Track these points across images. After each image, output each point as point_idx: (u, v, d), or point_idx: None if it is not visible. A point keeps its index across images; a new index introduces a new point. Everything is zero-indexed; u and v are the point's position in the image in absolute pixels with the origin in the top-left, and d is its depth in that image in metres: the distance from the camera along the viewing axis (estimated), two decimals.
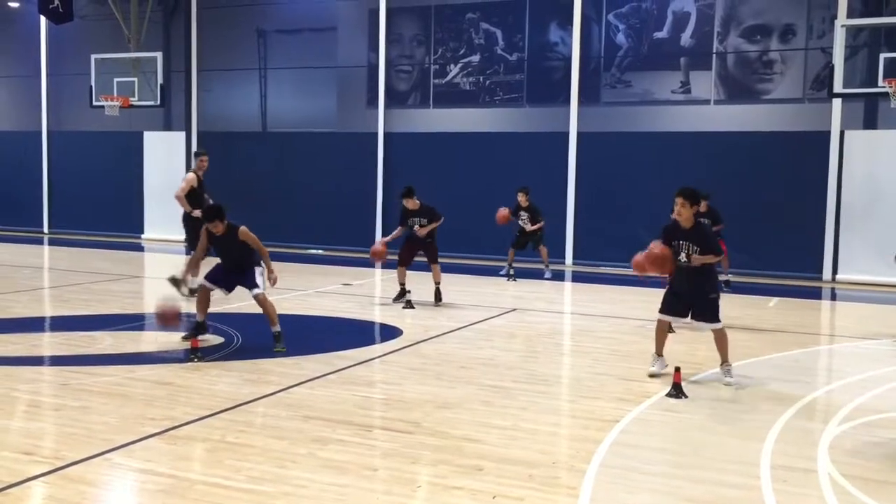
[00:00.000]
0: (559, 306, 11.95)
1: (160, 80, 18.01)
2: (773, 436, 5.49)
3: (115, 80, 18.18)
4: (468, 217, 15.68)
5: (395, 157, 17.67)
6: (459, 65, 17.81)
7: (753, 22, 15.66)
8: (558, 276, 14.44)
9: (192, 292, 10.81)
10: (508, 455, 5.01)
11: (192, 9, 19.46)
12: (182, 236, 19.35)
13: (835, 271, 14.58)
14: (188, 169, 19.42)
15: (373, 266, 14.89)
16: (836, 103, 14.30)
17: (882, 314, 11.59)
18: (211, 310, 8.14)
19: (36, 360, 7.47)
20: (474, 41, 17.63)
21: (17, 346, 7.95)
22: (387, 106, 17.87)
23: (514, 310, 10.71)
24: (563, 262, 16.04)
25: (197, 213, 10.39)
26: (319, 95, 19.31)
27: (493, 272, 14.49)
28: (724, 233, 12.12)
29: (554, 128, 16.51)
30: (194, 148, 19.57)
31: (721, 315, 6.97)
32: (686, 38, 16.10)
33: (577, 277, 14.88)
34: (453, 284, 11.94)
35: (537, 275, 14.02)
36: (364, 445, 5.16)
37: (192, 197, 10.66)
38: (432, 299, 10.91)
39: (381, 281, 13.64)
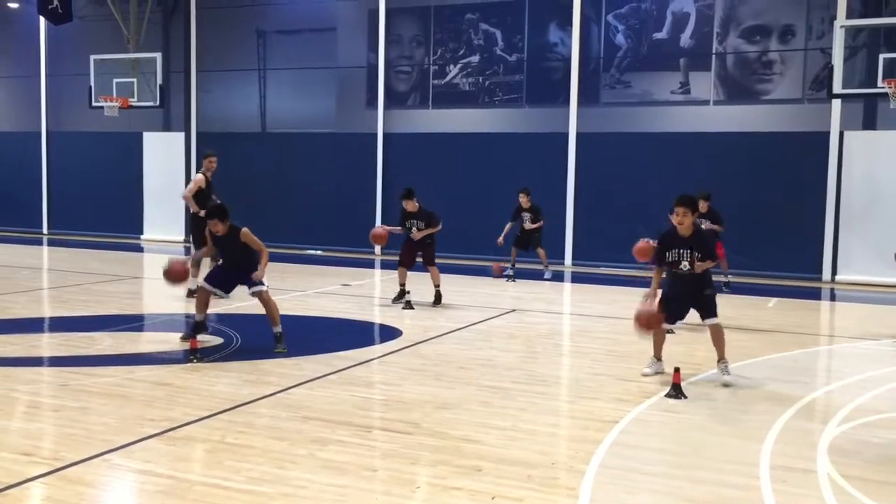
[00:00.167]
0: (558, 307, 11.95)
1: (159, 80, 18.02)
2: (772, 436, 5.49)
3: (115, 80, 18.18)
4: (467, 218, 15.69)
5: (394, 158, 17.67)
6: (459, 65, 17.82)
7: (753, 22, 15.67)
8: (557, 277, 14.44)
9: (190, 293, 10.83)
10: (507, 456, 5.01)
11: (191, 9, 19.46)
12: (181, 237, 19.66)
13: (834, 272, 14.58)
14: (188, 169, 19.61)
15: (372, 266, 14.89)
16: (836, 104, 14.31)
17: (881, 314, 11.59)
18: (210, 310, 8.14)
19: (35, 361, 7.47)
20: (474, 42, 17.63)
21: (16, 346, 7.94)
22: (386, 106, 17.87)
23: (513, 310, 10.71)
24: (563, 263, 16.04)
25: (204, 213, 10.53)
26: (319, 96, 19.32)
27: (492, 272, 14.47)
28: (723, 234, 12.13)
29: (553, 128, 16.51)
30: (194, 149, 19.59)
31: (718, 311, 6.98)
32: (685, 39, 16.11)
33: (577, 278, 14.88)
34: (452, 285, 11.93)
35: (536, 276, 14.01)
36: (363, 446, 5.16)
37: (200, 197, 10.73)
38: (431, 301, 10.91)
39: (381, 281, 13.65)
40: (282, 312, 7.94)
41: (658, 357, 7.13)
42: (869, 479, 4.72)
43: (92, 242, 19.19)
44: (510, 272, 13.82)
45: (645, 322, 6.77)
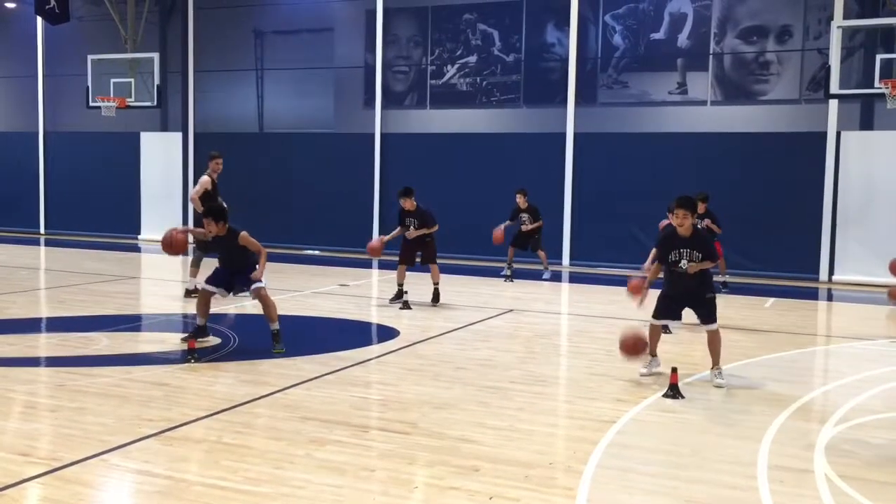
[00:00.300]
0: (556, 307, 11.96)
1: (157, 80, 18.00)
2: (769, 436, 5.50)
3: (112, 80, 18.15)
4: (465, 218, 15.69)
5: (392, 158, 17.66)
6: (456, 66, 17.82)
7: (750, 23, 15.68)
8: (555, 277, 14.43)
9: (189, 293, 10.83)
10: (505, 456, 5.01)
11: (188, 9, 19.45)
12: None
13: (831, 272, 14.60)
14: (185, 170, 19.60)
15: (370, 266, 14.88)
16: (833, 104, 14.33)
17: (878, 315, 11.61)
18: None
19: (32, 361, 7.46)
20: (471, 42, 17.63)
21: (13, 346, 7.93)
22: (384, 107, 17.87)
23: (512, 310, 10.71)
24: (560, 263, 16.04)
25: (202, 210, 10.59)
26: (316, 96, 19.31)
27: (490, 273, 14.49)
28: (721, 234, 12.14)
29: (551, 129, 16.52)
30: (191, 149, 19.58)
31: (717, 316, 6.98)
32: (683, 39, 16.12)
33: (574, 278, 14.89)
34: (450, 285, 11.93)
35: (535, 276, 14.02)
36: (361, 446, 5.16)
37: (206, 199, 10.78)
38: (430, 300, 10.92)
39: (379, 282, 13.64)
40: (280, 312, 7.93)
41: (653, 354, 7.13)
42: (866, 479, 4.73)
43: (89, 242, 19.16)
44: (508, 272, 13.82)
45: (631, 347, 6.81)
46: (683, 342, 8.59)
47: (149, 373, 6.96)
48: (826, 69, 13.59)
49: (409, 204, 10.72)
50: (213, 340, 8.13)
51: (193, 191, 11.00)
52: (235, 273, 7.87)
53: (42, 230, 21.36)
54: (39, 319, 9.71)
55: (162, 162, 19.95)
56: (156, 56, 18.11)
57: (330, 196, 18.07)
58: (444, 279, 11.26)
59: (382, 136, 17.78)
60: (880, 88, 12.79)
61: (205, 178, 11.03)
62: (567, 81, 16.32)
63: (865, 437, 5.59)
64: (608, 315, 10.58)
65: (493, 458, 4.95)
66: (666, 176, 15.16)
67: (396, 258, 11.06)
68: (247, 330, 9.03)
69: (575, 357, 8.21)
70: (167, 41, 20.12)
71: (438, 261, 11.08)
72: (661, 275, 7.17)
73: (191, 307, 8.72)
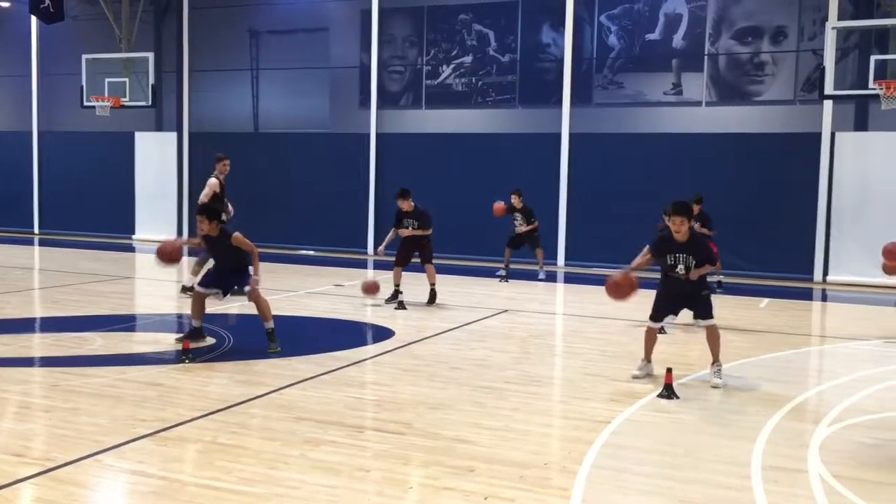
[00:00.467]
0: (551, 307, 11.97)
1: (151, 80, 17.96)
2: (764, 436, 5.51)
3: (107, 80, 18.10)
4: (461, 218, 15.69)
5: (387, 158, 17.66)
6: (452, 66, 17.81)
7: (745, 24, 15.71)
8: (550, 277, 14.44)
9: (185, 290, 10.81)
10: (500, 456, 5.01)
11: (183, 9, 19.41)
12: (172, 237, 19.57)
13: (825, 272, 14.63)
14: (180, 169, 19.56)
15: (365, 266, 14.86)
16: (827, 105, 14.36)
17: (872, 315, 11.64)
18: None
19: (26, 362, 7.44)
20: (467, 42, 17.63)
21: (7, 347, 7.91)
22: (379, 107, 17.86)
23: (507, 311, 10.71)
24: (555, 263, 16.05)
25: (223, 216, 10.66)
26: (312, 96, 19.28)
27: (485, 273, 14.49)
28: (715, 235, 12.16)
29: (546, 129, 16.53)
30: (186, 149, 19.54)
31: (714, 312, 7.00)
32: (678, 40, 16.14)
33: (569, 278, 14.90)
34: (446, 285, 11.92)
35: (530, 276, 14.02)
36: (356, 446, 5.15)
37: (215, 201, 10.83)
38: (425, 300, 10.91)
39: None
40: (274, 313, 7.92)
41: (648, 359, 7.14)
42: (860, 479, 4.74)
43: (83, 242, 19.12)
44: (503, 273, 13.83)
45: (615, 286, 6.86)
46: (678, 342, 8.60)
47: (143, 373, 6.94)
48: (820, 70, 13.61)
49: (406, 205, 10.73)
50: (207, 341, 8.11)
51: (203, 194, 10.99)
52: (230, 274, 7.86)
53: (36, 230, 21.30)
54: (34, 319, 9.69)
55: (157, 162, 19.90)
56: (150, 56, 18.06)
57: (325, 196, 18.05)
58: (439, 279, 11.26)
59: (378, 136, 17.77)
60: (875, 89, 12.82)
61: (213, 181, 11.06)
62: (562, 82, 16.33)
63: (859, 437, 5.61)
64: (603, 315, 10.58)
65: (488, 459, 4.95)
66: (661, 176, 15.18)
67: (392, 258, 11.06)
68: (242, 330, 9.02)
69: (570, 357, 8.21)
70: (162, 41, 20.07)
71: (434, 260, 11.08)
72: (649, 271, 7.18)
73: (185, 306, 8.70)
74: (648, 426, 5.78)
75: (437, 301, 10.94)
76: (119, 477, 4.61)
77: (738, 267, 14.53)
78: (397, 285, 10.80)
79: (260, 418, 5.74)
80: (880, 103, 12.85)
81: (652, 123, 16.48)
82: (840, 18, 14.16)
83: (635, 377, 7.04)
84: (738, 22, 15.74)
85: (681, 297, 7.02)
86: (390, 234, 10.97)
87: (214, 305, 9.37)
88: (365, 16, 18.06)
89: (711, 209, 12.30)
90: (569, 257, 16.21)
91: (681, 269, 6.86)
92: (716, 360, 6.98)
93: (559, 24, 16.56)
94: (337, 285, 12.70)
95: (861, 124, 14.90)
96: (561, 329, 10.14)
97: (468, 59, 17.66)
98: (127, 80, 18.08)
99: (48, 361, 7.39)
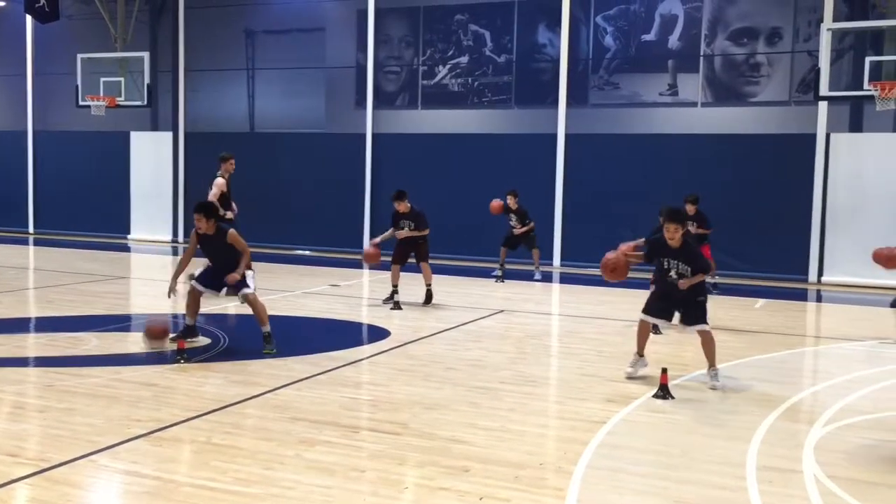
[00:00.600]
0: (547, 307, 11.97)
1: (147, 79, 17.94)
2: (759, 437, 5.51)
3: (102, 79, 18.08)
4: (457, 218, 15.69)
5: (383, 159, 17.65)
6: (448, 66, 17.82)
7: (740, 25, 15.74)
8: (546, 278, 14.45)
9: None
10: (496, 456, 5.01)
11: (179, 8, 19.38)
12: (168, 237, 19.58)
13: (820, 273, 14.66)
14: (175, 169, 19.53)
15: (361, 267, 14.84)
16: (822, 106, 14.39)
17: (867, 316, 11.66)
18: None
19: (21, 362, 7.42)
20: (463, 43, 17.64)
21: (1, 347, 7.88)
22: (375, 107, 17.85)
23: (502, 311, 10.72)
24: (551, 264, 16.06)
25: (229, 214, 10.84)
26: (307, 96, 19.28)
27: (481, 273, 14.49)
28: (710, 236, 12.18)
29: (542, 129, 16.54)
30: (181, 148, 19.51)
31: (708, 318, 6.99)
32: (674, 41, 16.17)
33: (565, 279, 14.91)
34: (441, 285, 11.92)
35: (525, 276, 14.03)
36: (351, 447, 5.15)
37: (222, 200, 10.90)
38: (421, 300, 10.91)
39: (369, 282, 13.63)
40: (270, 313, 7.92)
41: (641, 353, 7.12)
42: (854, 480, 4.75)
43: (78, 242, 19.07)
44: (499, 273, 13.83)
45: (612, 266, 6.96)
46: (673, 343, 8.61)
47: (138, 373, 6.93)
48: (816, 71, 13.65)
49: (403, 206, 10.73)
50: (203, 341, 8.11)
51: (211, 194, 11.00)
52: (225, 273, 7.84)
53: (31, 230, 21.24)
54: (28, 319, 9.66)
55: (152, 161, 19.87)
56: (146, 55, 18.05)
57: (321, 196, 18.04)
58: (435, 280, 11.26)
59: (374, 136, 17.76)
60: (869, 90, 12.86)
61: (220, 181, 11.10)
62: (558, 82, 16.34)
63: (854, 437, 5.62)
64: (598, 316, 10.60)
65: (483, 459, 4.95)
66: (656, 177, 15.21)
67: (389, 259, 11.06)
68: (237, 330, 9.01)
69: (565, 358, 8.22)
70: (157, 40, 20.05)
71: (430, 260, 11.07)
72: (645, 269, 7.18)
73: (180, 306, 8.69)
74: (644, 426, 5.78)
75: (434, 301, 10.93)
76: (114, 477, 4.60)
77: (733, 267, 14.54)
78: (395, 285, 10.80)
79: (255, 418, 5.74)
80: (875, 104, 12.89)
81: (647, 124, 16.51)
82: (835, 20, 14.19)
83: (629, 375, 7.04)
84: (734, 23, 15.77)
85: (675, 298, 7.00)
86: (388, 233, 10.97)
87: (210, 305, 9.37)
88: (361, 16, 18.05)
89: (706, 210, 12.31)
90: (564, 258, 16.23)
91: (674, 275, 6.86)
92: (712, 366, 6.95)
93: (555, 25, 16.57)
94: (333, 285, 12.69)
95: (856, 125, 14.94)
96: (557, 329, 10.15)
97: (464, 59, 17.67)
98: (122, 79, 18.06)
99: (43, 361, 7.37)
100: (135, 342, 8.53)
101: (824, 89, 13.29)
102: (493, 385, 6.79)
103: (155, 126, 20.32)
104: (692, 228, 11.62)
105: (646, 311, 7.09)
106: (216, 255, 7.88)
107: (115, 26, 18.52)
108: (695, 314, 6.93)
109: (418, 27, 18.03)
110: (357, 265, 15.52)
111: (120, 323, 9.49)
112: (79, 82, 18.17)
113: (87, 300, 10.82)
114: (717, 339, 7.09)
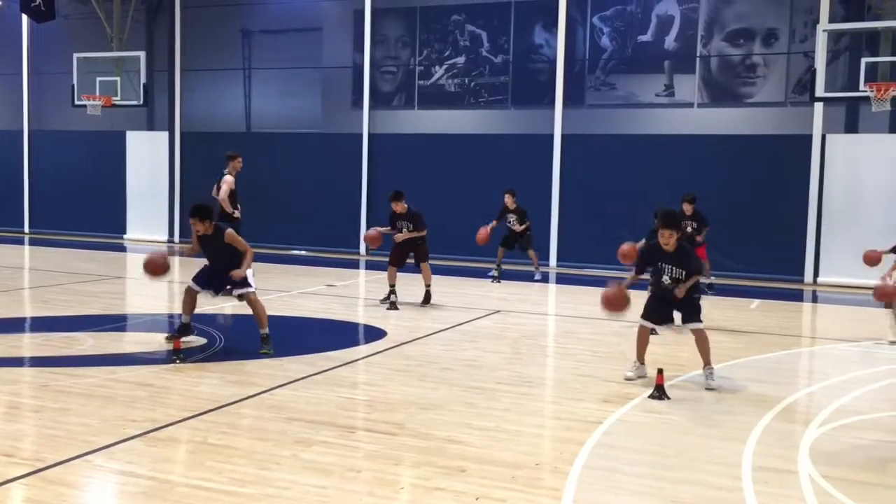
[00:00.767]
0: (543, 308, 11.98)
1: (143, 79, 17.92)
2: (754, 437, 5.52)
3: (98, 79, 18.05)
4: (452, 219, 15.67)
5: (379, 159, 17.64)
6: (444, 66, 17.81)
7: (737, 26, 15.75)
8: (542, 278, 14.44)
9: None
10: (492, 456, 5.01)
11: (175, 8, 19.35)
12: (164, 236, 19.55)
13: (816, 274, 14.68)
14: (171, 169, 19.50)
15: (357, 266, 14.85)
16: (818, 107, 14.42)
17: (863, 316, 11.68)
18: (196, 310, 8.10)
19: (16, 361, 7.40)
20: (459, 43, 17.63)
21: None
22: (371, 107, 17.84)
23: (499, 311, 10.72)
24: (548, 264, 16.06)
25: (237, 213, 10.87)
26: (304, 96, 19.25)
27: (478, 273, 14.50)
28: (707, 236, 12.20)
29: (538, 130, 16.54)
30: (177, 148, 19.49)
31: (703, 316, 7.01)
32: (670, 42, 16.17)
33: (562, 279, 14.92)
34: (437, 286, 11.91)
35: (523, 277, 14.03)
36: (347, 447, 5.15)
37: (230, 198, 10.96)
38: (419, 300, 10.90)
39: (366, 282, 13.62)
40: (267, 313, 7.90)
41: (641, 361, 7.14)
42: (850, 480, 4.76)
43: (74, 242, 19.05)
44: (495, 273, 13.83)
45: (611, 301, 6.88)
46: (669, 343, 8.62)
47: (133, 373, 6.92)
48: (812, 72, 13.67)
49: (400, 207, 10.73)
50: (198, 340, 8.10)
51: (221, 192, 11.01)
52: (223, 273, 7.83)
53: (26, 229, 21.21)
54: (23, 319, 9.64)
55: (148, 161, 19.84)
56: (142, 55, 18.03)
57: (317, 196, 18.03)
58: (433, 280, 11.25)
59: (370, 136, 17.75)
60: (865, 91, 12.88)
61: (229, 178, 11.13)
62: (555, 83, 16.35)
63: (849, 438, 5.63)
64: (595, 316, 10.59)
65: (479, 459, 4.95)
66: (653, 177, 15.23)
67: (386, 259, 11.06)
68: (233, 330, 9.00)
69: (561, 358, 8.22)
70: (154, 40, 20.01)
71: (428, 260, 11.07)
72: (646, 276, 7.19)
73: (176, 306, 8.67)
74: (640, 427, 5.79)
75: (431, 301, 10.93)
76: (109, 477, 4.59)
77: (729, 268, 14.57)
78: (392, 285, 10.79)
79: (251, 419, 5.73)
80: (871, 105, 12.92)
81: (644, 124, 16.52)
82: (831, 21, 14.22)
83: (627, 378, 7.04)
84: (730, 24, 15.78)
85: (671, 300, 7.01)
86: (387, 229, 10.95)
87: (206, 305, 9.36)
88: (358, 16, 18.05)
89: (703, 211, 12.32)
90: (561, 258, 16.24)
91: (666, 279, 6.87)
92: (707, 364, 6.97)
93: (552, 26, 16.58)
94: (329, 285, 12.69)
95: (852, 126, 14.96)
96: (553, 330, 10.15)
97: (461, 59, 17.67)
98: (118, 79, 18.04)
99: (38, 361, 7.36)
100: (131, 342, 8.52)
101: (820, 90, 13.31)
102: (489, 385, 6.79)
103: (151, 126, 20.29)
104: (689, 228, 11.64)
105: (645, 316, 7.09)
106: (215, 255, 7.87)
107: (112, 26, 18.49)
108: (690, 312, 6.96)
109: (415, 27, 18.02)
110: (353, 265, 15.53)
111: (116, 323, 9.47)
112: (75, 82, 18.15)
113: (82, 300, 10.80)
114: (713, 340, 7.11)
